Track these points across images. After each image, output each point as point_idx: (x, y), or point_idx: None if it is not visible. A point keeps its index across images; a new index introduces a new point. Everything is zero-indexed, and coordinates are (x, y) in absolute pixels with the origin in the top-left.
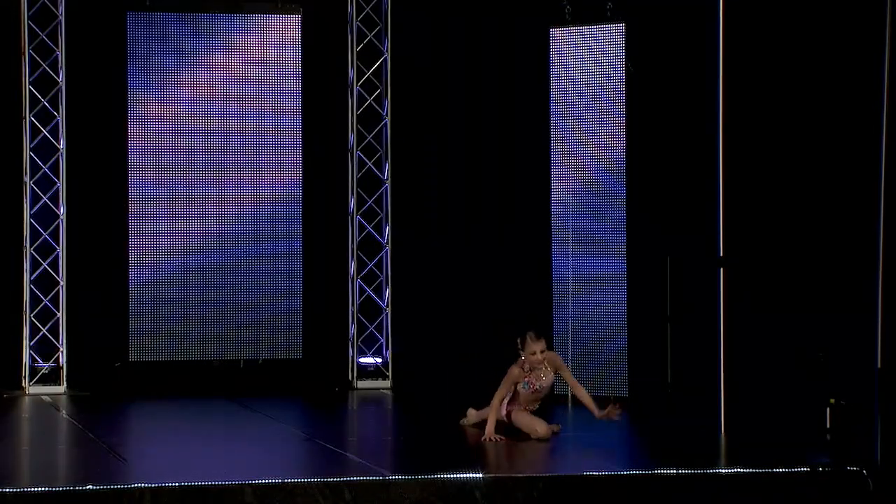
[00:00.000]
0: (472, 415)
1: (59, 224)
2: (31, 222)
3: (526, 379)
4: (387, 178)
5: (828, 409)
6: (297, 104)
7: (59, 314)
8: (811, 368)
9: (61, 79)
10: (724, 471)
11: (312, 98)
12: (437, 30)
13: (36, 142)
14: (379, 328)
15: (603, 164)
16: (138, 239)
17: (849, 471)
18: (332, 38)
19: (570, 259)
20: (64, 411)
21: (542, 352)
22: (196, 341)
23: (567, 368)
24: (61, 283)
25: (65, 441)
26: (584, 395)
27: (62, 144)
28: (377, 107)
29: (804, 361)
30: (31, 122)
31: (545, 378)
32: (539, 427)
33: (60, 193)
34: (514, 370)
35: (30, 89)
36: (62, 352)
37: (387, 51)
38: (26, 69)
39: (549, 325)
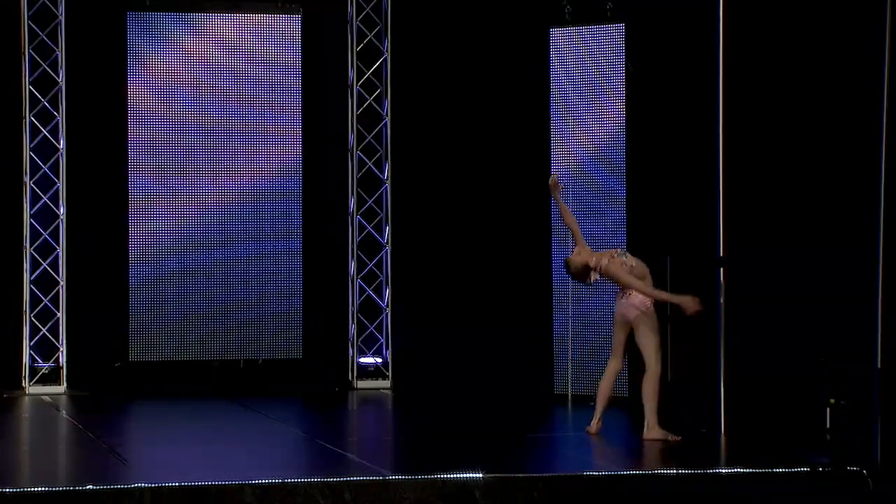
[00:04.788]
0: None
1: (59, 224)
2: (31, 222)
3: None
4: (387, 178)
5: (828, 409)
6: (298, 104)
7: (59, 314)
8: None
9: (61, 79)
10: (724, 471)
11: (312, 98)
12: (437, 29)
13: (36, 142)
14: (379, 328)
15: (603, 163)
16: (138, 239)
17: (849, 470)
18: (333, 37)
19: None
20: (64, 411)
21: (596, 269)
22: (196, 341)
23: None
24: (61, 282)
25: (65, 441)
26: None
27: (62, 144)
28: (377, 107)
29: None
30: (31, 121)
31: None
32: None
33: (60, 193)
34: (615, 262)
35: (30, 89)
36: (62, 352)
37: (387, 51)
38: (26, 69)
39: (548, 324)
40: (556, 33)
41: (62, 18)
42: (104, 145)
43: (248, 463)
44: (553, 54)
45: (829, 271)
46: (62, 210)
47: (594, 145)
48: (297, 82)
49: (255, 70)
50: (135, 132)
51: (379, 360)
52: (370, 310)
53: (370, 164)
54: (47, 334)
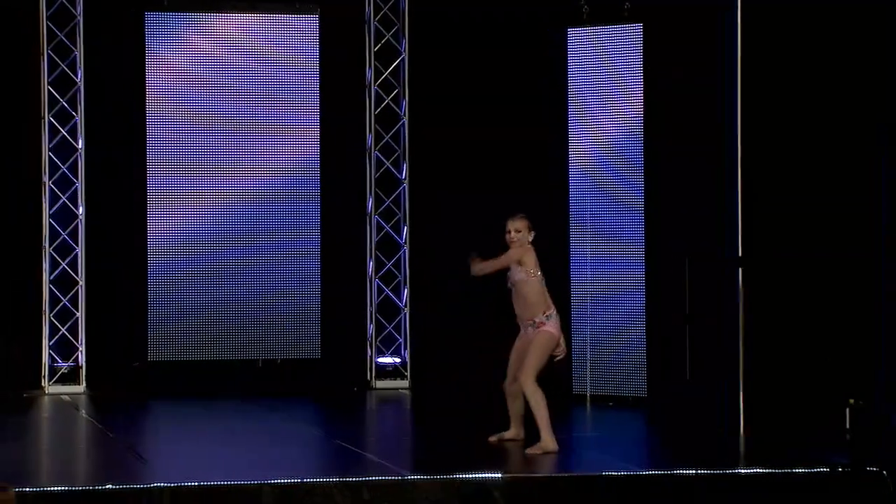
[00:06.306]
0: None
1: (78, 224)
2: (50, 222)
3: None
4: (404, 178)
5: (847, 410)
6: (315, 104)
7: (79, 314)
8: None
9: (80, 79)
10: (743, 471)
11: (330, 98)
12: (454, 29)
13: (55, 142)
14: (397, 328)
15: (620, 164)
16: (157, 238)
17: (868, 471)
18: (350, 38)
19: (589, 259)
20: (83, 411)
21: (516, 231)
22: (215, 341)
23: (530, 262)
24: (80, 282)
25: (84, 441)
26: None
27: (81, 144)
28: (395, 107)
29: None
30: (49, 122)
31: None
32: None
33: (79, 193)
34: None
35: (48, 89)
36: (81, 351)
37: (404, 50)
38: (45, 69)
39: (567, 325)
40: (574, 33)
41: (80, 19)
42: (123, 145)
43: (266, 463)
44: (571, 54)
45: (850, 269)
46: (81, 210)
47: (612, 145)
48: (315, 82)
49: (272, 70)
50: (153, 132)
51: (397, 359)
52: (388, 310)
53: (388, 164)
54: (66, 334)
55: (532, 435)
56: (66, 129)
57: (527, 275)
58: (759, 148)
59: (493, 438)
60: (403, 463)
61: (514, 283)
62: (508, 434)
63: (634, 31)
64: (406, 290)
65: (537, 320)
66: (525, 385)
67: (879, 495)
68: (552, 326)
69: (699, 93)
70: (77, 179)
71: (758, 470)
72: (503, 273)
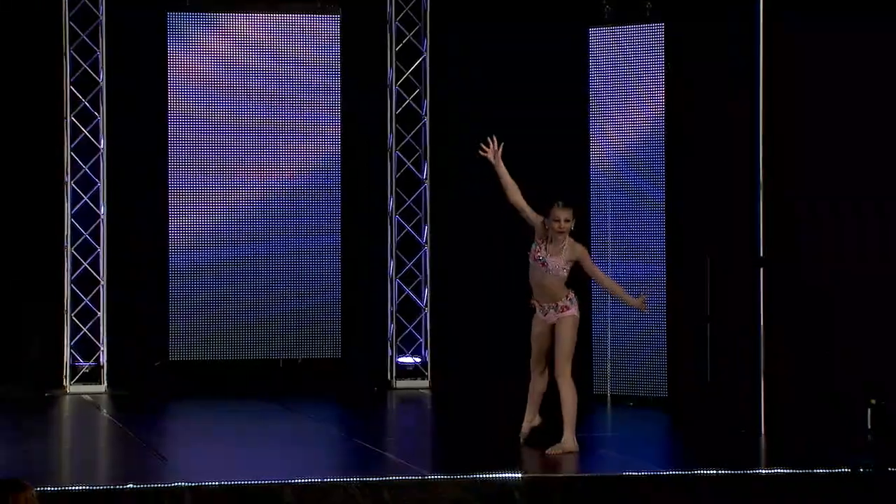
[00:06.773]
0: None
1: (99, 224)
2: (71, 222)
3: (540, 243)
4: (426, 178)
5: (869, 410)
6: (336, 104)
7: (100, 313)
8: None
9: (102, 79)
10: (763, 471)
11: (351, 98)
12: (476, 29)
13: (77, 142)
14: (418, 328)
15: (641, 163)
16: (178, 239)
17: (890, 471)
18: (371, 37)
19: (610, 259)
20: (105, 410)
21: (566, 220)
22: (235, 341)
23: (591, 260)
24: (102, 282)
25: (105, 440)
26: (614, 285)
27: (102, 144)
28: (416, 106)
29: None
30: (71, 122)
31: (557, 259)
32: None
33: (101, 193)
34: (540, 220)
35: (70, 90)
36: (103, 351)
37: (426, 50)
38: (67, 69)
39: (588, 325)
40: (595, 33)
41: (103, 19)
42: (144, 145)
43: (287, 463)
44: (592, 54)
45: (866, 269)
46: (103, 210)
47: (633, 145)
48: (336, 82)
49: (294, 70)
50: (174, 132)
51: (418, 359)
52: (409, 309)
53: (409, 163)
54: (88, 333)
55: (550, 422)
56: (87, 129)
57: (566, 272)
58: (781, 146)
59: (523, 432)
60: (424, 463)
61: (550, 272)
62: (527, 422)
63: (656, 30)
64: (427, 290)
65: (560, 304)
66: (562, 382)
67: None
68: (575, 309)
69: (722, 91)
70: (99, 179)
71: (779, 470)
72: (525, 270)
